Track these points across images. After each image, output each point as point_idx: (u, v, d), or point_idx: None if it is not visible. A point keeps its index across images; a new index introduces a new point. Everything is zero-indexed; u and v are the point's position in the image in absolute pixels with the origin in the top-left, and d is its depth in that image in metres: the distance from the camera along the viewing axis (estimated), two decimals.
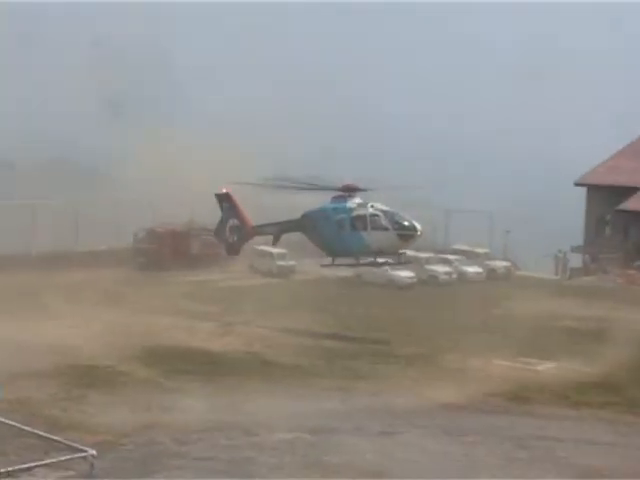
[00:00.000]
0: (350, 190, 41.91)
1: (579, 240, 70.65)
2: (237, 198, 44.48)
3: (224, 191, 45.18)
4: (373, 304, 41.95)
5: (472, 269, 58.48)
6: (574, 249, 68.04)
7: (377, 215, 40.55)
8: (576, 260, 67.70)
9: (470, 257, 61.03)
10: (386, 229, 40.26)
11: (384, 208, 41.43)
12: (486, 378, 34.03)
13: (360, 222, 40.77)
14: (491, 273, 59.62)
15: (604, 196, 69.32)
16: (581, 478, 23.49)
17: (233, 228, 43.60)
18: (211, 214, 62.41)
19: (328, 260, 41.55)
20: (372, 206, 41.04)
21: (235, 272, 57.37)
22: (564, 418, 29.05)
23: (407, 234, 40.30)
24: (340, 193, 41.99)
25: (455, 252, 60.87)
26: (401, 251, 41.08)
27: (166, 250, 58.11)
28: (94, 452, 17.13)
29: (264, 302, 46.02)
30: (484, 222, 66.03)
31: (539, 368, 35.86)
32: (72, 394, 29.32)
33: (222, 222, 44.53)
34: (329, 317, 42.99)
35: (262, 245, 60.47)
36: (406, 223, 40.52)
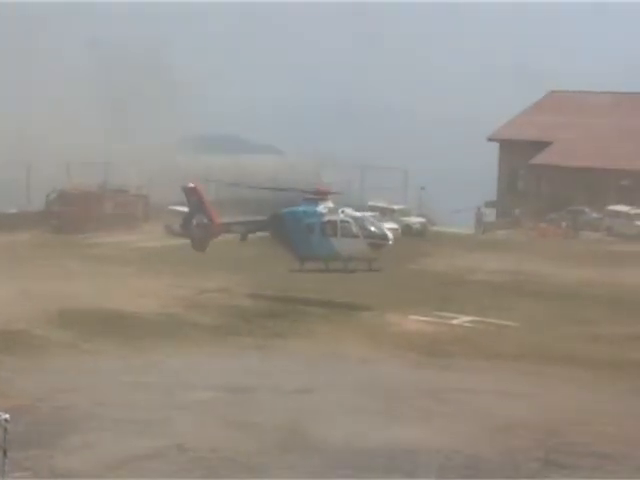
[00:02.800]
0: (322, 194, 41.52)
1: (493, 195, 71.62)
2: (204, 193, 44.02)
3: (191, 185, 44.73)
4: (291, 263, 41.92)
5: (388, 225, 58.68)
6: (488, 204, 68.93)
7: (348, 222, 40.14)
8: (491, 215, 68.66)
9: (386, 214, 61.35)
10: (356, 236, 39.87)
11: (355, 215, 41.19)
12: (402, 333, 34.34)
13: (330, 228, 40.29)
14: (406, 229, 60.02)
15: (516, 151, 70.30)
16: (499, 428, 23.84)
17: (200, 224, 43.03)
18: (125, 177, 62.09)
19: (296, 265, 40.99)
20: (343, 212, 40.67)
21: (150, 233, 56.96)
22: (480, 371, 29.43)
23: (377, 242, 39.94)
24: (311, 196, 41.58)
25: (371, 209, 61.10)
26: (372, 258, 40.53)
27: (79, 212, 57.40)
28: (7, 416, 16.86)
29: (180, 263, 45.78)
30: (399, 179, 66.57)
31: (454, 322, 36.27)
32: None
33: (189, 216, 44.01)
34: (247, 277, 42.93)
35: (177, 205, 60.18)
36: (377, 231, 40.21)
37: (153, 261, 47.07)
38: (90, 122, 68.55)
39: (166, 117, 71.72)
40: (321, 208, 40.71)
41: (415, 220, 62.54)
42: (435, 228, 63.51)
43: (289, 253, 41.42)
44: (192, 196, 44.00)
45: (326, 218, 40.51)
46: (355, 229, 40.00)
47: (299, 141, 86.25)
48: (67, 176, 60.16)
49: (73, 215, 57.24)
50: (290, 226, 41.04)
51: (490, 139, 73.38)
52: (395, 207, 63.06)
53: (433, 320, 36.44)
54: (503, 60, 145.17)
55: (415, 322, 36.13)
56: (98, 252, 49.43)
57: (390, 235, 40.38)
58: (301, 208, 41.59)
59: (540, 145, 69.26)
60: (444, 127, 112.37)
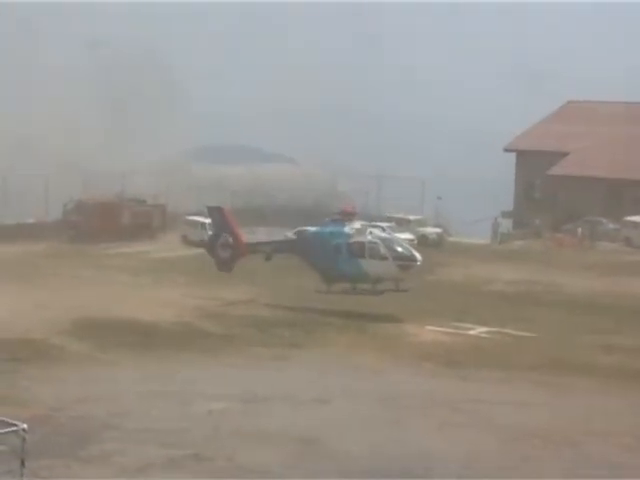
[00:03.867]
0: (348, 214, 41.16)
1: (509, 205, 71.47)
2: (229, 213, 43.63)
3: (216, 205, 44.62)
4: (305, 274, 41.96)
5: (404, 236, 58.71)
6: (505, 214, 68.79)
7: (376, 243, 39.42)
8: (508, 225, 68.48)
9: (402, 224, 61.32)
10: (385, 258, 39.18)
11: (383, 235, 40.61)
12: (419, 344, 34.31)
13: (358, 249, 39.56)
14: (423, 240, 59.96)
15: (533, 161, 70.13)
16: (515, 439, 23.81)
17: (225, 244, 42.56)
18: (142, 187, 62.27)
19: (323, 286, 40.49)
20: (371, 233, 40.10)
21: (167, 243, 57.12)
22: (496, 381, 29.39)
23: (406, 264, 39.26)
24: (338, 217, 41.32)
25: (388, 219, 61.10)
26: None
27: (96, 222, 57.51)
28: (25, 426, 16.93)
29: (196, 273, 45.87)
30: (416, 189, 66.46)
31: (471, 333, 36.22)
32: (3, 368, 28.95)
33: (214, 237, 43.58)
34: (262, 287, 42.93)
35: (193, 215, 60.36)
36: (405, 252, 39.44)
37: (170, 271, 47.16)
38: (99, 129, 68.85)
39: (173, 125, 71.92)
40: (348, 229, 40.16)
41: (431, 230, 62.48)
42: (451, 239, 63.43)
43: (316, 274, 40.83)
44: (217, 215, 43.66)
45: (353, 239, 39.90)
46: (383, 250, 39.20)
47: (305, 147, 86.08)
48: (83, 186, 60.32)
49: (90, 225, 57.37)
50: (317, 247, 40.43)
51: (507, 150, 73.27)
52: (411, 217, 63.02)
53: (450, 331, 36.40)
54: (508, 60, 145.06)
55: (432, 332, 36.10)
56: (115, 262, 49.56)
57: (419, 256, 39.60)
58: (328, 229, 41.08)
59: (557, 155, 69.13)
60: (460, 137, 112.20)
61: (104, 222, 57.78)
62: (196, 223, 58.54)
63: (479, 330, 36.51)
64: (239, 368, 30.20)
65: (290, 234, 57.23)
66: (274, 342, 33.83)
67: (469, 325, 37.08)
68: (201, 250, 52.55)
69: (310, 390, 27.46)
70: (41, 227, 56.95)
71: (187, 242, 57.77)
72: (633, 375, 30.05)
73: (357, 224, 40.69)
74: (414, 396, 27.38)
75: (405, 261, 39.23)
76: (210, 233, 45.94)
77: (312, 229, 44.41)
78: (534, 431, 24.41)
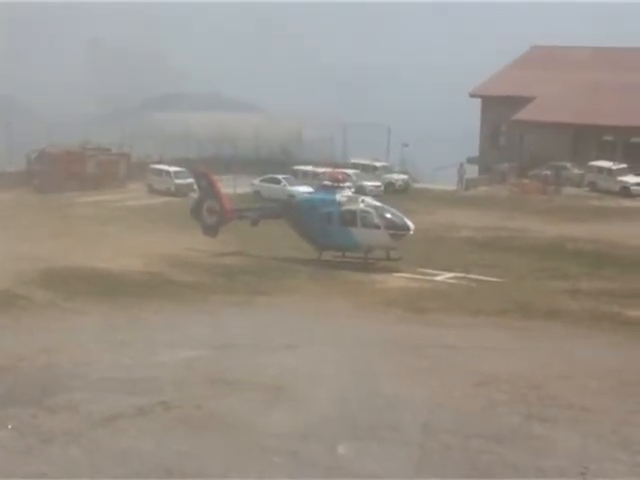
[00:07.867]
0: (338, 181, 40.65)
1: (475, 151, 71.62)
2: (215, 178, 43.18)
3: (202, 170, 44.25)
4: (274, 221, 41.90)
5: (370, 183, 58.81)
6: (470, 160, 68.93)
7: (368, 212, 38.87)
8: (473, 171, 68.72)
9: (368, 171, 61.33)
10: (377, 227, 38.67)
11: (376, 204, 40.09)
12: (387, 290, 34.43)
13: (350, 217, 39.05)
14: (389, 186, 60.05)
15: (499, 107, 70.17)
16: (481, 383, 23.94)
17: (211, 209, 42.17)
18: (106, 135, 61.88)
19: (315, 254, 40.00)
20: (363, 201, 39.55)
21: (133, 192, 56.90)
22: (463, 326, 29.56)
23: (399, 233, 38.78)
24: (328, 183, 40.86)
25: (353, 166, 61.08)
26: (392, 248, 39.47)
27: (61, 171, 57.19)
28: None
29: (162, 221, 45.73)
30: (382, 136, 66.50)
31: (438, 279, 36.37)
32: None
33: (199, 201, 43.18)
34: (230, 235, 42.87)
35: (158, 164, 60.14)
36: (398, 221, 39.00)
37: (137, 220, 46.99)
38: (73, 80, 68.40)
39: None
40: (339, 197, 39.65)
41: (397, 177, 62.54)
42: (418, 185, 63.54)
43: (307, 242, 40.40)
44: (202, 180, 43.34)
45: (345, 207, 39.39)
46: (376, 219, 38.79)
47: (271, 95, 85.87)
48: (47, 135, 59.87)
49: (55, 175, 57.02)
50: (306, 215, 39.84)
51: (472, 95, 73.20)
52: (377, 164, 63.03)
53: (417, 277, 36.54)
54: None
55: (399, 279, 36.23)
56: (82, 212, 49.32)
57: (411, 225, 39.27)
58: (318, 196, 40.69)
59: (523, 101, 69.16)
60: (425, 82, 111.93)
61: (69, 171, 57.46)
62: (162, 171, 58.32)
63: (445, 276, 36.67)
64: (207, 316, 30.18)
65: (256, 182, 57.19)
66: (242, 290, 33.83)
67: (435, 271, 37.23)
68: (167, 199, 52.47)
69: (278, 337, 27.49)
70: (5, 177, 56.54)
71: (153, 191, 57.56)
72: (598, 319, 30.33)
73: (348, 191, 40.28)
74: (381, 342, 27.47)
75: (398, 230, 38.79)
76: (196, 197, 45.33)
77: (301, 196, 44.15)
78: (500, 375, 24.55)
